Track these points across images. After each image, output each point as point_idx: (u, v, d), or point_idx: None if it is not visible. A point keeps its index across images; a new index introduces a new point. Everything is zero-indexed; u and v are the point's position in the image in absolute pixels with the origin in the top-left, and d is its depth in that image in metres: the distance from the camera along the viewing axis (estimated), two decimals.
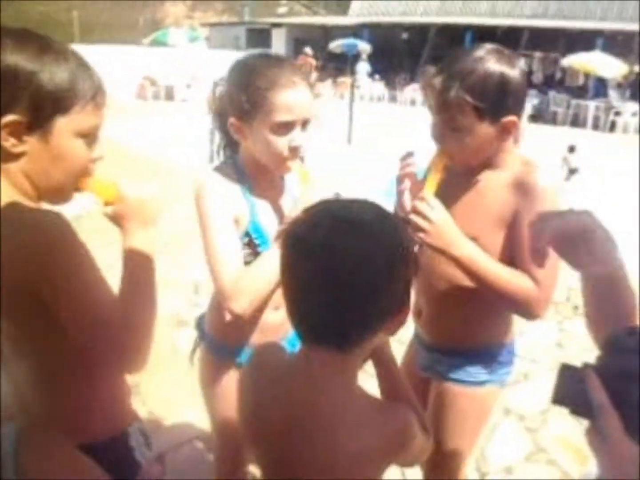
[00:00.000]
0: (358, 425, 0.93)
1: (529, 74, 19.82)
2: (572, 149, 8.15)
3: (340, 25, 24.15)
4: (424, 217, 1.40)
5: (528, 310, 1.49)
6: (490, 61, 1.39)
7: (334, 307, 0.87)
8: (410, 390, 1.13)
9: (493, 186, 1.52)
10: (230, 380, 1.58)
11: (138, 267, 1.16)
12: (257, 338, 1.59)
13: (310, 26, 27.17)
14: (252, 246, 1.52)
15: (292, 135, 1.47)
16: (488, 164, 1.53)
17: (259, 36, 27.13)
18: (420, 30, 22.19)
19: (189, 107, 15.01)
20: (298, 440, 0.94)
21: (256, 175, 1.55)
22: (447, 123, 1.45)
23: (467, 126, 1.41)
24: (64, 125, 1.07)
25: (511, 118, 1.43)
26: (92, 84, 1.11)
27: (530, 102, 16.05)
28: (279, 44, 26.59)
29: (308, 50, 20.10)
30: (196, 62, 18.93)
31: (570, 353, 3.69)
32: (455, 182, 1.56)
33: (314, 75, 20.66)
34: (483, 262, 1.45)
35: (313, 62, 20.75)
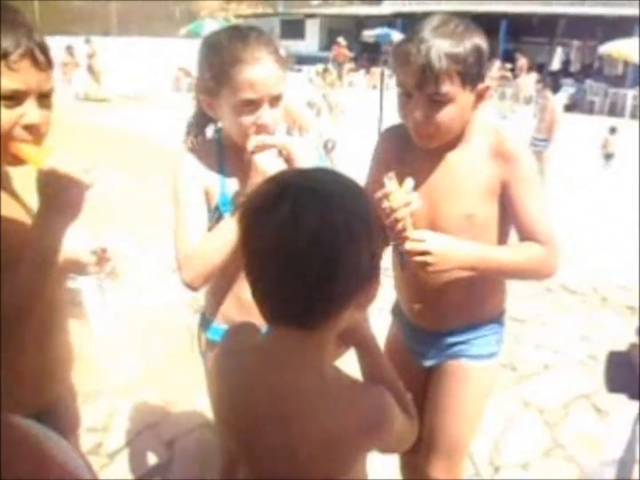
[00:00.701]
0: (329, 405, 0.90)
1: (566, 63, 19.47)
2: (613, 131, 8.08)
3: (373, 15, 24.04)
4: (423, 254, 1.36)
5: (547, 274, 1.54)
6: (463, 30, 1.39)
7: (293, 283, 0.81)
8: (392, 371, 1.09)
9: (474, 160, 1.50)
10: None
11: (38, 249, 1.08)
12: (241, 317, 1.47)
13: (344, 16, 27.06)
14: (221, 220, 1.48)
15: (258, 113, 1.40)
16: (460, 137, 1.52)
17: (293, 27, 27.18)
18: None
19: None
20: (269, 426, 0.90)
21: (231, 149, 1.50)
22: (432, 96, 1.39)
23: (453, 95, 1.39)
24: None
25: (486, 84, 1.45)
26: (7, 42, 1.03)
27: (567, 92, 15.81)
28: (312, 34, 26.64)
29: (341, 40, 20.08)
30: None
31: (595, 346, 3.59)
32: (434, 163, 1.53)
33: (348, 65, 20.70)
34: (495, 257, 1.47)
35: (347, 52, 20.76)
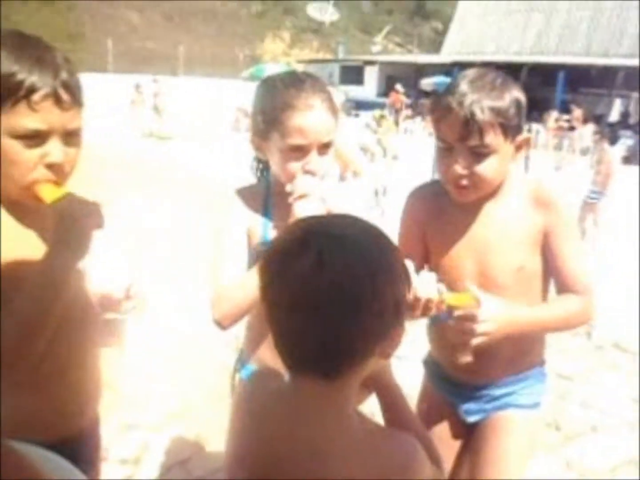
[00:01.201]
0: (352, 450, 0.86)
1: (624, 114, 19.10)
2: None
3: (432, 63, 24.32)
4: (484, 335, 1.36)
5: (582, 324, 1.59)
6: (502, 82, 1.40)
7: (316, 333, 0.80)
8: (417, 419, 1.06)
9: (515, 210, 1.50)
10: None
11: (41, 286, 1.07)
12: (273, 360, 1.57)
13: (403, 64, 27.50)
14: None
15: (307, 159, 1.40)
16: (498, 188, 1.50)
17: (352, 73, 27.77)
18: (512, 70, 21.97)
19: None
20: (288, 472, 0.87)
21: (278, 192, 1.48)
22: (474, 148, 1.39)
23: (495, 147, 1.38)
24: None
25: (525, 135, 1.45)
26: (30, 81, 1.03)
27: (625, 144, 15.43)
28: (371, 81, 27.12)
29: (399, 87, 20.38)
30: None
31: None
32: (476, 216, 1.52)
33: (405, 112, 20.90)
34: (540, 317, 1.48)
35: (404, 99, 21.01)
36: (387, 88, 23.63)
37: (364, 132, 9.89)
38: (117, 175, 9.48)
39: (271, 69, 22.35)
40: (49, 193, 1.09)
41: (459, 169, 1.41)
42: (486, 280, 1.47)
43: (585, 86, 20.83)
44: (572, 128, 16.38)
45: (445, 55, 25.41)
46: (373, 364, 0.87)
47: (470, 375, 1.63)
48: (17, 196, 1.11)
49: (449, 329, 1.43)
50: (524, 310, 1.44)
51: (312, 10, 43.27)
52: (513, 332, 1.42)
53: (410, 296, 1.29)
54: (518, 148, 1.45)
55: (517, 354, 1.59)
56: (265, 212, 1.51)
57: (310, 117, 1.37)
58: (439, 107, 1.42)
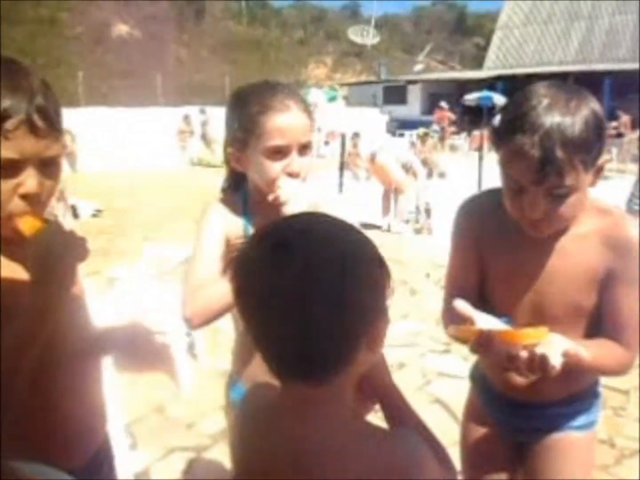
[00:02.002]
0: (353, 458, 0.82)
1: None
2: None
3: (474, 78, 24.14)
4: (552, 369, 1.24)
5: (618, 374, 1.50)
6: (577, 103, 1.22)
7: (293, 335, 0.76)
8: (420, 419, 1.00)
9: (584, 245, 1.37)
10: None
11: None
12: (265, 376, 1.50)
13: (445, 81, 27.46)
14: None
15: (287, 160, 1.41)
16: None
17: (395, 92, 27.85)
18: (557, 80, 21.59)
19: (325, 162, 15.68)
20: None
21: (259, 202, 1.48)
22: (551, 190, 1.24)
23: (576, 184, 1.24)
24: None
25: (605, 157, 1.30)
26: (2, 108, 0.97)
27: None
28: (414, 100, 27.13)
29: (444, 104, 20.30)
30: (334, 119, 19.82)
31: None
32: (539, 246, 1.39)
33: (449, 128, 20.76)
34: (590, 359, 1.34)
35: (449, 115, 20.90)
36: (430, 106, 23.58)
37: (408, 150, 9.89)
38: (166, 201, 9.80)
39: (315, 93, 22.64)
40: (28, 226, 1.04)
41: (535, 213, 1.28)
42: (540, 315, 1.40)
43: (633, 92, 20.27)
44: (619, 135, 15.89)
45: (487, 70, 25.20)
46: (363, 361, 0.84)
47: (523, 394, 1.54)
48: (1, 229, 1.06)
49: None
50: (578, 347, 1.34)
51: (353, 34, 43.70)
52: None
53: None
54: (598, 172, 1.30)
55: (572, 372, 1.45)
56: (245, 221, 1.51)
57: (287, 117, 1.39)
58: (506, 142, 1.25)
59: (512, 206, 1.32)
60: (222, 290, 1.37)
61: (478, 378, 1.69)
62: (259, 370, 1.47)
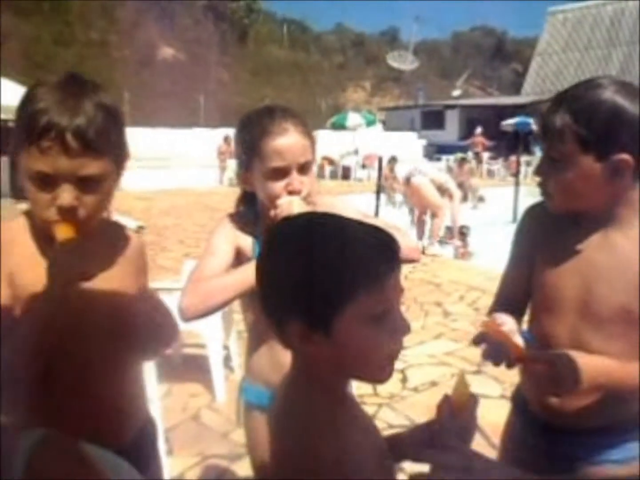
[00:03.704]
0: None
1: None
2: None
3: (512, 104, 24.07)
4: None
5: None
6: (607, 90, 1.23)
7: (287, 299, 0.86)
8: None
9: (632, 248, 1.32)
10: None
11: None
12: (276, 377, 1.33)
13: (483, 106, 27.39)
14: None
15: (288, 179, 1.48)
16: (620, 218, 1.34)
17: (433, 117, 27.90)
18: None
19: (362, 185, 15.79)
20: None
21: (266, 217, 1.54)
22: (548, 152, 1.31)
23: (568, 156, 1.26)
24: (21, 164, 1.12)
25: (623, 156, 1.23)
26: (43, 124, 1.06)
27: None
28: (452, 125, 27.12)
29: (479, 129, 20.29)
30: (371, 143, 20.00)
31: None
32: (592, 245, 1.37)
33: (485, 154, 20.71)
34: (624, 377, 1.31)
35: (484, 141, 20.85)
36: (468, 131, 23.54)
37: (445, 174, 9.93)
38: (205, 219, 10.03)
39: (353, 117, 22.90)
40: (62, 232, 1.13)
41: (537, 171, 1.39)
42: (586, 313, 1.37)
43: None
44: None
45: (525, 96, 25.07)
46: (349, 332, 0.85)
47: (560, 417, 1.49)
48: (46, 230, 1.15)
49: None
50: (608, 362, 1.31)
51: (392, 59, 44.06)
52: (594, 385, 1.30)
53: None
54: (615, 170, 1.25)
55: (611, 400, 1.42)
56: (255, 237, 1.58)
57: (285, 139, 1.47)
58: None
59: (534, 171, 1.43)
60: (221, 284, 1.45)
61: (518, 398, 1.65)
62: (270, 372, 1.51)
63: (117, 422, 1.33)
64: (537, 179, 1.40)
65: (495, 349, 1.30)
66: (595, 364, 1.30)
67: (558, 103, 1.28)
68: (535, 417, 1.56)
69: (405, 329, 0.90)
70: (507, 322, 1.35)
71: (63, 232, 1.13)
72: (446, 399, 1.04)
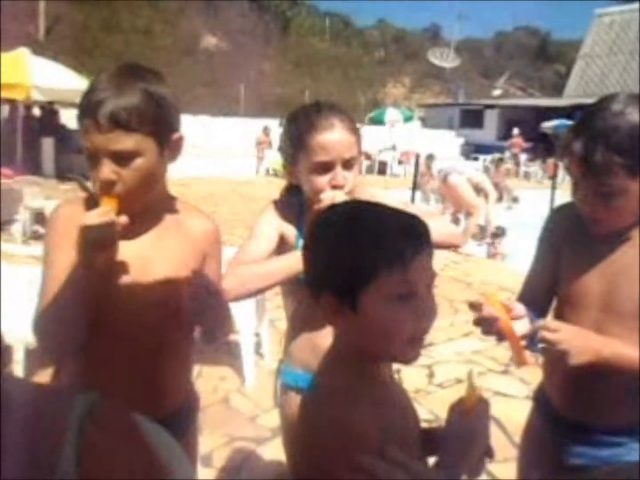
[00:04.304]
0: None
1: None
2: None
3: (553, 106, 23.64)
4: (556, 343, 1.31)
5: None
6: (632, 112, 1.28)
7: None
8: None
9: None
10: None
11: None
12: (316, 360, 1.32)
13: (523, 107, 26.95)
14: None
15: (332, 174, 1.51)
16: (637, 220, 1.41)
17: (472, 116, 27.57)
18: None
19: (398, 181, 15.74)
20: None
21: (310, 210, 1.56)
22: (596, 188, 1.33)
23: (619, 188, 1.30)
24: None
25: None
26: (84, 107, 1.22)
27: None
28: (491, 124, 26.77)
29: (515, 131, 20.08)
30: (409, 139, 19.90)
31: None
32: (614, 244, 1.43)
33: (523, 155, 20.44)
34: (631, 356, 1.35)
35: (522, 142, 20.59)
36: (506, 131, 23.23)
37: (482, 174, 9.87)
38: (242, 207, 10.16)
39: (391, 112, 22.81)
40: (104, 205, 1.22)
41: (582, 204, 1.40)
42: (609, 308, 1.42)
43: None
44: None
45: (567, 98, 24.58)
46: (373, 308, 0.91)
47: (577, 413, 1.51)
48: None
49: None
50: (613, 341, 1.36)
51: (433, 56, 43.70)
52: (599, 358, 1.33)
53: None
54: None
55: (629, 399, 1.45)
56: (299, 225, 1.61)
57: (330, 134, 1.50)
58: (563, 140, 1.40)
59: (576, 202, 1.44)
60: (263, 270, 1.51)
61: (540, 396, 1.67)
62: (309, 355, 1.56)
63: (160, 394, 1.40)
64: (579, 204, 1.41)
65: (487, 321, 1.35)
66: (599, 339, 1.35)
67: (593, 139, 1.28)
68: (555, 416, 1.57)
69: (430, 313, 0.94)
70: (518, 307, 1.38)
71: (105, 204, 1.21)
72: (459, 401, 1.04)
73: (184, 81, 28.97)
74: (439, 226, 1.59)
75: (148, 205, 1.34)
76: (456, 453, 0.98)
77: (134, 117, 1.21)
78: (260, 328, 4.06)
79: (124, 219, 1.20)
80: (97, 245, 1.17)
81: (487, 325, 1.35)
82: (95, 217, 1.17)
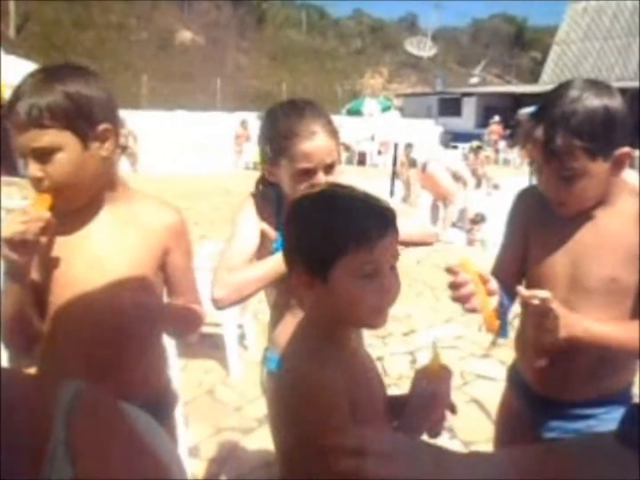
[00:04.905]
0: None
1: None
2: None
3: (530, 92, 23.82)
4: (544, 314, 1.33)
5: None
6: (589, 97, 1.32)
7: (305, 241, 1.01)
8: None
9: (619, 223, 1.44)
10: None
11: None
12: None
13: (501, 94, 27.12)
14: None
15: (313, 180, 1.50)
16: (604, 199, 1.45)
17: (450, 105, 27.67)
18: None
19: (377, 171, 15.76)
20: None
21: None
22: (558, 172, 1.37)
23: (580, 170, 1.35)
24: None
25: (624, 150, 1.36)
26: (10, 110, 1.23)
27: None
28: (469, 112, 26.90)
29: (496, 118, 20.18)
30: (388, 130, 19.94)
31: None
32: (577, 224, 1.48)
33: (502, 142, 20.59)
34: (613, 336, 1.39)
35: (500, 130, 20.73)
36: (485, 119, 23.37)
37: (460, 162, 9.93)
38: (221, 202, 10.13)
39: (369, 103, 22.86)
40: (39, 202, 1.27)
41: (545, 187, 1.44)
42: (575, 288, 1.46)
43: None
44: None
45: (544, 85, 24.77)
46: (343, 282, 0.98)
47: (549, 388, 1.57)
48: None
49: (529, 327, 1.41)
50: (596, 322, 1.40)
51: (410, 45, 43.76)
52: (581, 334, 1.37)
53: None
54: (617, 163, 1.38)
55: (604, 368, 1.51)
56: (278, 220, 1.61)
57: (313, 142, 1.50)
58: (524, 127, 1.48)
59: (540, 186, 1.48)
60: (253, 276, 1.52)
61: (513, 373, 1.73)
62: (289, 334, 1.50)
63: (130, 386, 1.39)
64: (543, 188, 1.45)
65: (460, 285, 1.38)
66: (586, 318, 1.39)
67: (553, 125, 1.33)
68: (529, 392, 1.62)
69: (393, 289, 1.02)
70: (492, 281, 1.41)
71: (39, 202, 1.26)
72: (423, 368, 1.12)
73: (161, 76, 28.72)
74: (412, 225, 1.64)
75: (93, 199, 1.35)
76: (417, 414, 1.06)
77: (46, 112, 1.21)
78: (243, 320, 4.09)
79: (47, 215, 1.24)
80: (18, 250, 1.21)
81: (459, 290, 1.38)
82: (12, 226, 1.21)
